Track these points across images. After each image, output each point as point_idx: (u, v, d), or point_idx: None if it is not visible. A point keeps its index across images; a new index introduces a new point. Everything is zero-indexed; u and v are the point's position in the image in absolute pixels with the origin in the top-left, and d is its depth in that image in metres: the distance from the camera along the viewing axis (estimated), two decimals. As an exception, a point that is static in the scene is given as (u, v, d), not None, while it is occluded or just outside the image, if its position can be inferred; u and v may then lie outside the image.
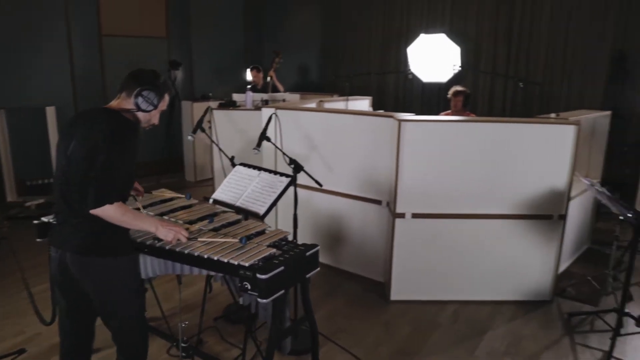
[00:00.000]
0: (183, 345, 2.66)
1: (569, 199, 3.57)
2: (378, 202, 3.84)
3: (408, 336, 3.29)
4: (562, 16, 6.56)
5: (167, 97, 2.20)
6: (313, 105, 5.17)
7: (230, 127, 5.45)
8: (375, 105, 7.83)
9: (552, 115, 3.80)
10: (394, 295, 3.71)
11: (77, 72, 6.53)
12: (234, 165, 3.21)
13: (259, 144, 3.14)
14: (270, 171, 3.03)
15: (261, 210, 2.82)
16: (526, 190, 3.53)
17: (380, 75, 8.06)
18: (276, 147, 3.31)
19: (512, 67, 6.98)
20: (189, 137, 3.68)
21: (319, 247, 2.33)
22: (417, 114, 3.76)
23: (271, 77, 6.77)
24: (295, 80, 8.85)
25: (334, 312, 3.59)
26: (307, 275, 2.31)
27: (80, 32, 6.51)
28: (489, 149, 3.46)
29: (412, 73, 5.15)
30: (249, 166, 3.15)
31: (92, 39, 6.65)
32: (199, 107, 7.01)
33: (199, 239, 2.31)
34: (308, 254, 2.27)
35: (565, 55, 6.62)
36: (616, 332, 3.08)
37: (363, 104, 6.16)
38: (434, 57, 6.60)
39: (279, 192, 2.88)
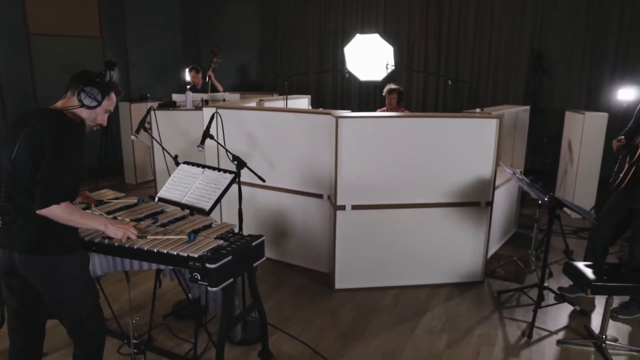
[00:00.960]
0: (135, 341, 2.69)
1: (494, 186, 3.88)
2: (319, 196, 3.99)
3: (352, 321, 3.46)
4: (485, 17, 7.02)
5: (113, 97, 2.24)
6: (253, 104, 5.27)
7: (171, 128, 5.44)
8: (315, 104, 8.01)
9: (478, 110, 4.10)
10: (339, 284, 3.88)
11: (3, 72, 6.26)
12: (178, 164, 3.26)
13: (202, 142, 3.21)
14: (214, 168, 3.11)
15: (207, 206, 2.89)
16: (456, 180, 3.80)
17: (319, 74, 8.26)
18: (219, 144, 3.39)
19: (442, 65, 7.38)
20: (132, 137, 3.68)
21: (264, 237, 2.45)
22: (355, 111, 3.95)
23: (210, 77, 6.79)
24: (235, 80, 8.89)
25: (282, 302, 3.72)
26: (254, 264, 2.43)
27: (4, 30, 6.23)
28: (421, 142, 3.70)
29: (348, 72, 5.35)
30: (193, 164, 3.21)
31: (18, 37, 6.38)
32: (137, 108, 6.91)
33: (148, 236, 2.36)
34: (254, 244, 2.39)
35: (490, 54, 7.08)
36: (537, 305, 3.40)
37: (302, 102, 6.32)
38: (369, 56, 6.86)
39: (223, 188, 2.96)
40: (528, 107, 5.01)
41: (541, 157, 6.62)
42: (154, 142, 4.68)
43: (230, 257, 2.21)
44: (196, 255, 2.18)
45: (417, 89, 7.54)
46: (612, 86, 6.24)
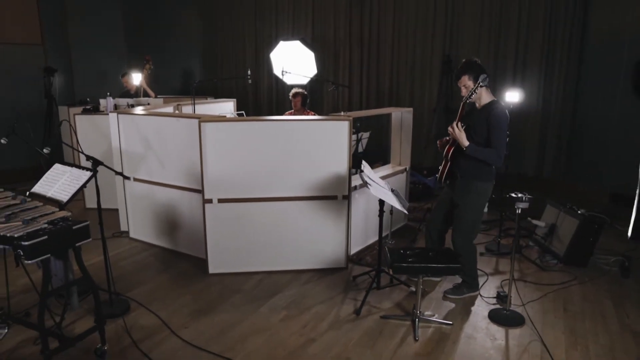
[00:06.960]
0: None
1: (350, 181, 4.33)
2: (199, 191, 4.47)
3: (211, 300, 3.93)
4: (402, 25, 7.49)
5: None
6: (170, 109, 5.75)
7: (94, 132, 5.93)
8: (252, 107, 8.49)
9: (342, 113, 4.56)
10: (212, 269, 4.36)
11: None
12: (51, 162, 3.76)
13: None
14: (83, 168, 3.61)
15: (64, 199, 3.40)
16: (315, 176, 4.25)
17: (255, 79, 8.73)
18: (66, 144, 3.81)
19: (365, 69, 7.86)
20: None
21: (88, 222, 2.92)
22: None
23: (142, 84, 7.25)
24: (178, 84, 9.36)
25: (158, 286, 4.19)
26: (78, 244, 2.91)
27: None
28: (283, 142, 4.16)
29: (250, 78, 5.84)
30: (67, 164, 3.72)
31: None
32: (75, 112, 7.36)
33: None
34: (75, 227, 2.87)
35: (407, 59, 7.55)
36: (370, 286, 3.89)
37: (226, 106, 6.79)
38: (293, 62, 7.34)
39: (82, 183, 3.47)
40: (411, 109, 5.44)
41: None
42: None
43: (45, 237, 2.69)
44: (16, 235, 2.67)
45: (344, 91, 8.00)
46: (514, 87, 6.70)
